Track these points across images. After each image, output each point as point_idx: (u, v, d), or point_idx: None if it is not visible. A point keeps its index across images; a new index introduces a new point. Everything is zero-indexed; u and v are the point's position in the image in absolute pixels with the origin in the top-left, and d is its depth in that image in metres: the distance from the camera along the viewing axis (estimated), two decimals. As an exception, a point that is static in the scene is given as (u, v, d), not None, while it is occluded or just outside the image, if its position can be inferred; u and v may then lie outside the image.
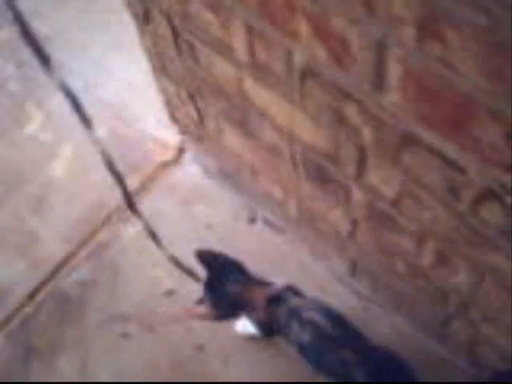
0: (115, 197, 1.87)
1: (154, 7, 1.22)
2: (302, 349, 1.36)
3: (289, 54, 0.99)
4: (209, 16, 1.08)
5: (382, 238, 1.31)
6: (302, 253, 1.79)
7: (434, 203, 1.04)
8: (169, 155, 1.97)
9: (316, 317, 1.33)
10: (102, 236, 1.88)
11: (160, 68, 1.47)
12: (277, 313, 1.37)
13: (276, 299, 1.38)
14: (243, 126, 1.40)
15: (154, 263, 1.81)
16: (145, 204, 1.91)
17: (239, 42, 1.08)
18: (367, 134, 1.01)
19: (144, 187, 1.93)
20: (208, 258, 1.41)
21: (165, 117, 1.91)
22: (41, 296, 1.81)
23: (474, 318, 1.30)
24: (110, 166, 1.16)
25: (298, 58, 0.98)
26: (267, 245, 1.84)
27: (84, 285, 1.81)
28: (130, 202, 1.34)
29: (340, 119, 1.04)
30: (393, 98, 0.88)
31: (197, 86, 1.40)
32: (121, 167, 1.94)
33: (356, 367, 1.29)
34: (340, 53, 0.88)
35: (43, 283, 1.82)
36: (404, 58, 0.79)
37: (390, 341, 1.64)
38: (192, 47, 1.25)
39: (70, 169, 1.97)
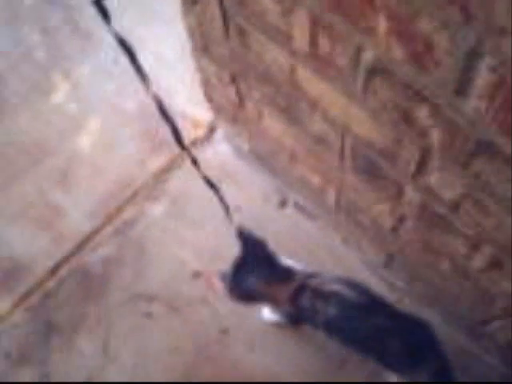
0: (142, 173, 1.84)
1: (205, -13, 1.15)
2: (330, 325, 1.32)
3: (358, 49, 0.93)
4: (268, 3, 1.02)
5: (431, 237, 1.27)
6: (333, 240, 1.75)
7: (501, 212, 0.99)
8: (199, 133, 1.91)
9: (338, 288, 1.31)
10: (128, 213, 1.83)
11: (202, 48, 1.40)
12: (301, 302, 1.33)
13: (299, 292, 1.33)
14: (288, 113, 1.34)
15: (180, 244, 1.78)
16: (173, 183, 1.87)
17: (300, 32, 1.02)
18: (436, 136, 0.96)
19: (172, 165, 1.87)
20: (247, 239, 1.35)
21: (196, 93, 1.85)
22: (63, 272, 1.77)
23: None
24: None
25: (369, 55, 0.92)
26: (297, 229, 1.80)
27: (108, 262, 1.77)
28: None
29: (407, 119, 0.98)
30: (475, 104, 0.82)
31: (242, 70, 1.34)
32: (150, 142, 1.91)
33: (389, 334, 1.27)
34: (422, 55, 0.82)
35: (66, 259, 1.78)
36: (497, 68, 0.73)
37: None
38: (243, 32, 1.18)
39: (96, 142, 1.91)
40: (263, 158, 1.73)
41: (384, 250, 1.53)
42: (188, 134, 1.91)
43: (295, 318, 1.48)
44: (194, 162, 1.30)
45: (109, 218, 1.81)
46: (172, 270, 1.74)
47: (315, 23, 0.97)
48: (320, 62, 1.05)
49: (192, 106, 1.93)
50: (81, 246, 1.78)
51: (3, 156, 1.90)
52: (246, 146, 1.77)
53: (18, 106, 1.99)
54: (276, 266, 1.37)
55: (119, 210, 1.82)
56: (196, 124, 1.92)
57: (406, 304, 1.66)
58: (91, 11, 2.13)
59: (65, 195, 1.85)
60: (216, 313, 1.69)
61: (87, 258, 1.77)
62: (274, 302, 1.42)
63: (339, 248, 1.74)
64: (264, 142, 1.62)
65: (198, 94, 1.80)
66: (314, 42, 1.01)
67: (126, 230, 1.80)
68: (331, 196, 1.52)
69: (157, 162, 1.87)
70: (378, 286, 1.69)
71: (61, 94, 1.99)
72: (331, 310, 1.29)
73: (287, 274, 1.37)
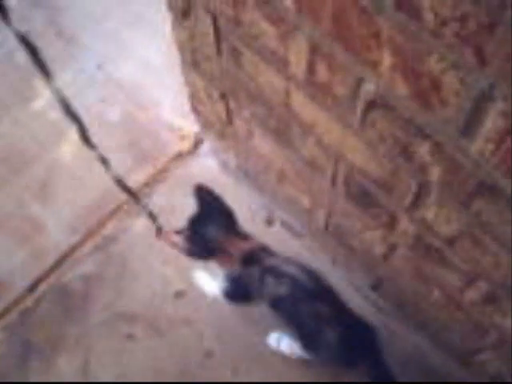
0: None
1: (198, 4, 1.10)
2: (277, 303, 1.34)
3: (359, 80, 0.89)
4: (266, 26, 0.97)
5: (423, 267, 1.23)
6: (320, 259, 1.70)
7: (499, 250, 0.96)
8: (184, 145, 1.85)
9: (294, 270, 1.33)
10: (110, 228, 1.77)
11: (192, 63, 1.35)
12: (249, 270, 1.35)
13: (251, 257, 1.35)
14: (280, 135, 1.29)
15: (163, 261, 1.73)
16: (157, 196, 1.81)
17: (298, 58, 0.97)
18: (436, 173, 0.92)
19: (156, 178, 1.82)
20: (204, 195, 1.36)
21: (183, 103, 1.79)
22: (42, 289, 1.71)
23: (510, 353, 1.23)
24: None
25: (369, 87, 0.88)
26: (284, 248, 1.73)
27: (88, 279, 1.71)
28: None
29: (406, 153, 0.94)
30: (481, 146, 0.79)
31: (233, 88, 1.29)
32: (133, 154, 1.85)
33: (329, 324, 1.29)
34: (427, 93, 0.78)
35: (45, 275, 1.72)
36: (509, 114, 0.70)
37: (408, 357, 1.59)
38: (236, 51, 1.14)
39: (78, 152, 1.84)
40: (250, 175, 1.69)
41: (373, 274, 1.50)
42: (173, 147, 1.86)
43: (240, 285, 1.43)
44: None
45: (89, 233, 1.75)
46: (155, 288, 1.69)
47: (314, 50, 0.92)
48: (316, 89, 1.01)
49: (178, 117, 1.88)
50: (60, 262, 1.72)
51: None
52: (233, 162, 1.72)
53: (-5, 114, 1.93)
54: (233, 222, 1.39)
55: (100, 224, 1.76)
56: (182, 136, 1.87)
57: (394, 328, 1.62)
58: (76, 13, 2.09)
59: (44, 208, 1.78)
60: (200, 334, 1.64)
61: (67, 275, 1.71)
62: (226, 260, 1.38)
63: (326, 268, 1.70)
64: (252, 160, 1.57)
65: (185, 104, 1.75)
66: (311, 69, 0.97)
67: (107, 246, 1.74)
68: (320, 218, 1.48)
69: (140, 176, 1.81)
70: (364, 308, 1.66)
71: (42, 100, 1.93)
72: (282, 288, 1.31)
73: (244, 234, 1.40)
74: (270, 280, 1.32)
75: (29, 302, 1.69)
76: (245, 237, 1.40)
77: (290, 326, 1.39)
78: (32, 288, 1.70)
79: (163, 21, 1.88)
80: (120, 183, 1.39)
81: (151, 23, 2.00)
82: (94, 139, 1.85)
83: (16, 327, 1.66)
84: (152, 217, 1.52)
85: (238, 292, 1.45)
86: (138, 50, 1.97)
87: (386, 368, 1.34)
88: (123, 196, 1.76)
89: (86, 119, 1.88)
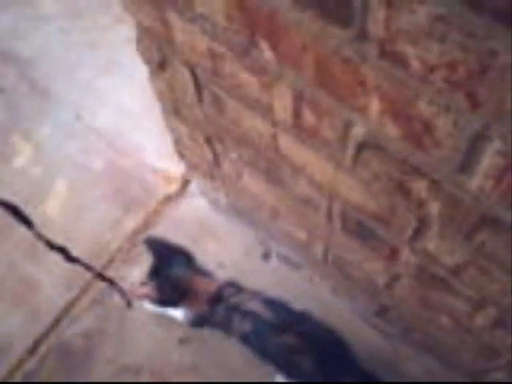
0: (117, 236, 1.75)
1: (174, 58, 1.08)
2: (245, 339, 1.37)
3: (347, 124, 0.87)
4: (247, 77, 0.95)
5: (429, 295, 1.21)
6: (321, 290, 1.69)
7: (508, 277, 0.94)
8: (172, 187, 1.83)
9: (256, 306, 1.35)
10: (106, 280, 1.74)
11: (173, 111, 1.33)
12: (216, 309, 1.38)
13: (217, 298, 1.39)
14: (269, 175, 1.28)
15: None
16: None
17: (283, 105, 0.96)
18: (436, 208, 0.90)
19: (147, 224, 1.79)
20: (155, 245, 1.43)
21: (165, 146, 1.78)
22: (43, 349, 1.67)
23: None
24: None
25: (359, 130, 0.86)
26: (284, 281, 1.74)
27: (89, 335, 1.68)
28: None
29: (402, 190, 0.92)
30: (480, 183, 0.77)
31: (217, 133, 1.27)
32: (121, 202, 1.82)
33: (301, 353, 1.30)
34: (420, 135, 0.77)
35: (45, 335, 1.68)
36: (507, 153, 0.68)
37: (419, 379, 1.57)
38: (217, 99, 1.12)
39: (65, 206, 1.81)
40: (243, 213, 1.67)
41: (377, 302, 1.48)
42: (161, 190, 1.84)
43: (202, 322, 1.47)
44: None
45: (85, 288, 1.71)
46: (157, 337, 1.66)
47: (299, 97, 0.91)
48: (305, 133, 0.99)
49: (163, 160, 1.86)
50: (59, 320, 1.68)
51: (-33, 230, 1.79)
52: (223, 200, 1.70)
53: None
54: (193, 263, 1.47)
55: (96, 277, 1.73)
56: (168, 178, 1.84)
57: (404, 352, 1.60)
58: (48, 65, 2.07)
59: (37, 266, 1.75)
60: (209, 380, 1.61)
61: (67, 333, 1.67)
62: (193, 301, 1.41)
63: (328, 297, 1.68)
64: (243, 198, 1.55)
65: (168, 146, 1.73)
66: (297, 114, 0.95)
67: (104, 299, 1.70)
68: (318, 250, 1.46)
69: (131, 223, 1.78)
70: (371, 335, 1.64)
71: (23, 157, 1.90)
72: (246, 326, 1.34)
73: (207, 272, 1.48)
74: (235, 318, 1.35)
75: (31, 363, 1.65)
76: (208, 275, 1.46)
77: (267, 360, 1.39)
78: (33, 349, 1.66)
79: (136, 66, 1.88)
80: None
81: (124, 68, 1.98)
82: (81, 190, 1.84)
83: (21, 391, 1.63)
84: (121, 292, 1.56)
85: (202, 325, 1.49)
86: (114, 96, 1.95)
87: (363, 371, 1.38)
88: (115, 245, 1.74)
89: (70, 171, 1.88)
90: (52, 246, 1.62)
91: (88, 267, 1.61)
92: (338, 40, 0.71)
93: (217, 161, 1.44)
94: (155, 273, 1.40)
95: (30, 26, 2.11)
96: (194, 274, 1.44)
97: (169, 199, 1.82)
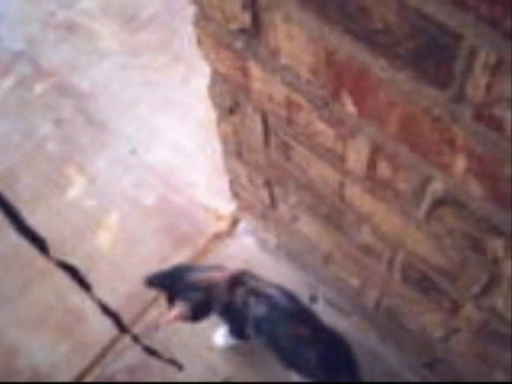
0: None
1: (247, 104, 1.10)
2: (257, 325, 1.38)
3: (426, 179, 0.88)
4: (323, 128, 0.97)
5: (487, 350, 1.19)
6: (369, 337, 1.67)
7: None
8: (222, 226, 1.84)
9: (273, 292, 1.39)
10: (152, 315, 1.74)
11: (235, 153, 1.35)
12: (236, 294, 1.40)
13: (236, 280, 1.41)
14: (329, 220, 1.28)
15: (209, 347, 1.69)
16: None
17: (357, 156, 0.97)
18: (510, 267, 0.89)
19: (196, 260, 1.80)
20: (158, 280, 1.43)
21: (217, 184, 1.80)
22: (87, 382, 1.67)
23: None
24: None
25: (438, 186, 0.87)
26: (330, 326, 1.72)
27: (134, 370, 1.68)
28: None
29: (476, 247, 0.92)
30: None
31: (279, 177, 1.29)
32: (171, 238, 1.84)
33: (308, 344, 1.34)
34: (505, 196, 0.77)
35: (89, 367, 1.69)
36: None
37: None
38: (285, 145, 1.13)
39: (116, 240, 1.83)
40: (292, 255, 1.67)
41: (428, 354, 1.46)
42: (210, 228, 1.85)
43: (228, 311, 1.45)
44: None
45: (132, 322, 1.72)
46: (201, 376, 1.65)
47: (376, 150, 0.91)
48: (376, 184, 1.00)
49: (214, 198, 1.88)
50: (104, 354, 1.69)
51: (20, 258, 1.82)
52: (273, 241, 1.70)
53: (31, 202, 1.93)
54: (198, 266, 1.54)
55: (143, 312, 1.74)
56: (218, 216, 1.86)
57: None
58: (105, 100, 2.12)
59: (85, 299, 1.76)
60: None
61: (111, 367, 1.67)
62: (214, 291, 1.40)
63: (375, 346, 1.66)
64: (295, 241, 1.56)
65: (219, 184, 1.75)
66: (371, 166, 0.96)
67: (150, 335, 1.71)
68: (371, 298, 1.45)
69: (180, 259, 1.80)
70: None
71: (76, 188, 1.93)
72: (260, 309, 1.36)
73: (219, 266, 1.50)
74: (251, 301, 1.38)
75: (74, 397, 1.66)
76: (220, 267, 1.47)
77: (271, 349, 1.42)
78: (77, 382, 1.67)
79: (191, 105, 1.91)
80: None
81: (180, 107, 2.02)
82: (132, 224, 1.86)
83: (64, 425, 1.63)
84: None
85: (236, 324, 1.49)
86: (168, 133, 1.98)
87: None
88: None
89: (122, 204, 1.90)
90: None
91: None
92: (432, 100, 0.72)
93: (273, 203, 1.45)
94: (172, 295, 1.41)
95: (89, 60, 2.16)
96: (207, 270, 1.45)
97: (218, 237, 1.83)
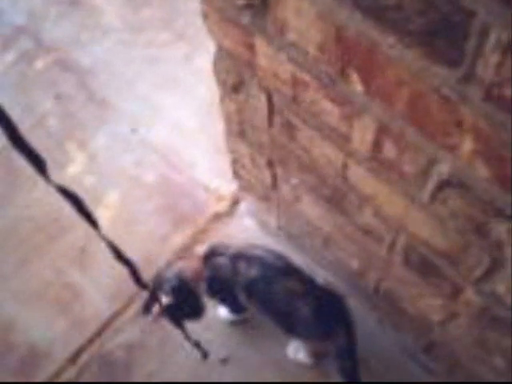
0: (164, 251, 1.76)
1: (252, 81, 1.09)
2: (250, 288, 1.39)
3: (431, 161, 0.87)
4: (329, 107, 0.96)
5: (486, 335, 1.19)
6: (367, 319, 1.67)
7: None
8: (222, 206, 1.84)
9: (261, 252, 1.42)
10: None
11: (238, 133, 1.34)
12: (217, 265, 1.41)
13: (210, 254, 1.43)
14: (331, 202, 1.27)
15: (206, 326, 1.69)
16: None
17: (362, 136, 0.96)
18: (513, 251, 0.89)
19: (195, 240, 1.79)
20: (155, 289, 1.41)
21: (218, 164, 1.79)
22: (84, 359, 1.67)
23: None
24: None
25: (443, 168, 0.86)
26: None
27: (131, 348, 1.68)
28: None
29: (480, 231, 0.91)
30: None
31: (282, 157, 1.28)
32: (171, 217, 1.83)
33: (301, 298, 1.35)
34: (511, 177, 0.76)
35: (86, 344, 1.69)
36: None
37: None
38: (290, 125, 1.12)
39: (115, 217, 1.83)
40: (292, 237, 1.66)
41: (426, 337, 1.46)
42: (210, 208, 1.84)
43: (215, 286, 1.45)
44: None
45: (131, 300, 1.72)
46: (198, 355, 1.65)
47: (382, 131, 0.90)
48: (380, 165, 0.99)
49: (214, 178, 1.87)
50: (101, 331, 1.69)
51: (18, 233, 1.82)
52: (273, 223, 1.70)
53: (31, 179, 1.91)
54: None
55: (139, 292, 1.73)
56: (219, 196, 1.85)
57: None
58: (107, 76, 2.10)
59: (83, 275, 1.76)
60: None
61: (109, 344, 1.68)
62: (194, 274, 1.42)
63: (373, 327, 1.66)
64: (296, 222, 1.55)
65: (220, 165, 1.74)
66: (377, 147, 0.95)
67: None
68: (371, 281, 1.45)
69: (179, 238, 1.79)
70: (414, 371, 1.62)
71: (76, 165, 1.92)
72: (253, 271, 1.37)
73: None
74: (241, 265, 1.39)
75: (71, 373, 1.66)
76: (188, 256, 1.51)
77: (266, 311, 1.44)
78: (74, 358, 1.67)
79: (194, 83, 1.90)
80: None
81: (182, 85, 2.00)
82: (132, 203, 1.85)
83: (59, 400, 1.63)
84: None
85: (228, 297, 1.49)
86: (170, 112, 1.97)
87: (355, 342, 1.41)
88: (163, 260, 1.74)
89: (123, 183, 1.89)
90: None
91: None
92: (441, 79, 0.71)
93: (275, 184, 1.44)
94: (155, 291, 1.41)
95: (91, 36, 2.14)
96: (177, 263, 1.47)
97: (217, 217, 1.82)
